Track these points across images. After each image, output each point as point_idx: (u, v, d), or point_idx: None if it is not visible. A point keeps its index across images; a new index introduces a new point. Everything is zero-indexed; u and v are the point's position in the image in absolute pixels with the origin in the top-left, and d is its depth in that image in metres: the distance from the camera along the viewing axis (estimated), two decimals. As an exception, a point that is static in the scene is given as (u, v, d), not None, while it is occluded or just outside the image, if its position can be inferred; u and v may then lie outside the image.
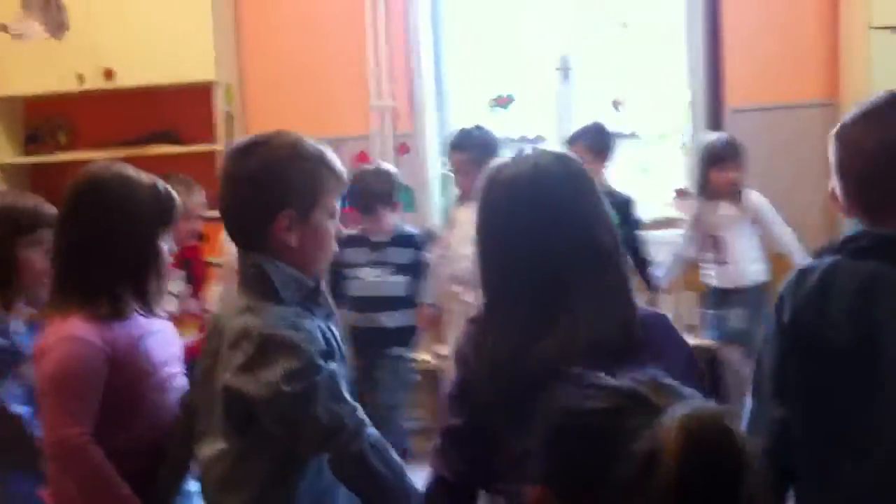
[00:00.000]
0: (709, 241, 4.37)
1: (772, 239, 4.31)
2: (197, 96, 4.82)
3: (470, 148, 3.96)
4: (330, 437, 1.70)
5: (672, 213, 4.95)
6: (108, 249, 1.98)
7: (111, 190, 2.01)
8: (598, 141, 4.35)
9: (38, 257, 2.26)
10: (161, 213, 2.05)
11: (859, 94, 4.43)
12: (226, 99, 4.92)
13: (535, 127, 5.30)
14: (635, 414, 0.95)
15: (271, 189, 1.76)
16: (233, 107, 5.04)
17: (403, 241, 4.08)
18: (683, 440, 0.90)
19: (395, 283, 4.04)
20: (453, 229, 4.08)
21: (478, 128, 4.11)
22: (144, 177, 2.06)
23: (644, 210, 4.60)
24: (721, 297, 4.37)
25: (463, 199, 4.08)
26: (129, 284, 2.00)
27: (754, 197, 4.30)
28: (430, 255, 4.16)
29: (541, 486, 1.00)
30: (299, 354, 1.66)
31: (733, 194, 4.29)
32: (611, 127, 4.58)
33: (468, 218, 3.77)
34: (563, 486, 0.98)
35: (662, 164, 5.25)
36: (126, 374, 1.96)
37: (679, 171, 5.11)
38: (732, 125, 4.75)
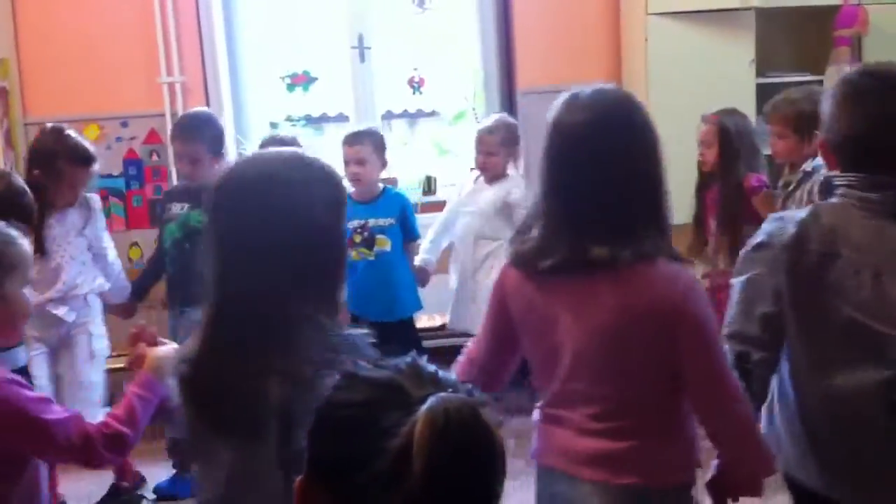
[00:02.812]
0: None
1: None
2: (-32, 70, 4.48)
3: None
4: None
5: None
6: None
7: None
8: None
9: None
10: None
11: (639, 76, 4.71)
12: (0, 73, 4.60)
13: (334, 105, 5.29)
14: (392, 407, 0.94)
15: None
16: (10, 82, 4.71)
17: None
18: (430, 434, 0.90)
19: None
20: None
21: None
22: None
23: (443, 190, 4.69)
24: None
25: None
26: None
27: None
28: None
29: (306, 473, 1.01)
30: None
31: None
32: (410, 106, 4.61)
33: None
34: (325, 477, 0.98)
35: (459, 143, 5.37)
36: None
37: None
38: (523, 106, 4.92)
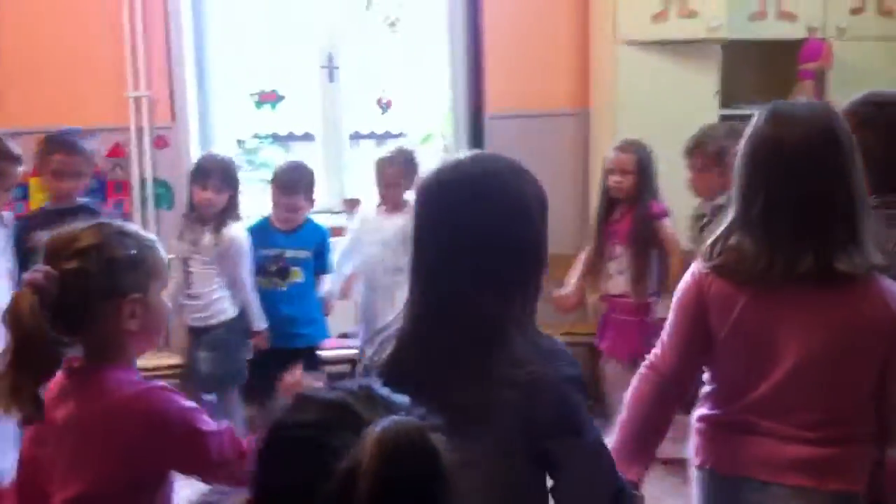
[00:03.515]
0: (182, 269, 3.94)
1: (232, 281, 3.91)
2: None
3: None
4: None
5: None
6: None
7: None
8: None
9: None
10: None
11: (607, 103, 4.74)
12: (-36, 82, 4.55)
13: (302, 124, 5.29)
14: (341, 428, 0.93)
15: None
16: (-26, 91, 4.66)
17: None
18: (378, 456, 0.88)
19: None
20: None
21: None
22: None
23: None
24: (194, 338, 3.98)
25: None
26: None
27: (234, 230, 3.89)
28: None
29: (252, 495, 0.99)
30: None
31: (213, 219, 3.87)
32: (377, 127, 4.61)
33: None
34: (272, 499, 0.97)
35: (427, 166, 5.39)
36: None
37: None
38: (491, 131, 4.94)
